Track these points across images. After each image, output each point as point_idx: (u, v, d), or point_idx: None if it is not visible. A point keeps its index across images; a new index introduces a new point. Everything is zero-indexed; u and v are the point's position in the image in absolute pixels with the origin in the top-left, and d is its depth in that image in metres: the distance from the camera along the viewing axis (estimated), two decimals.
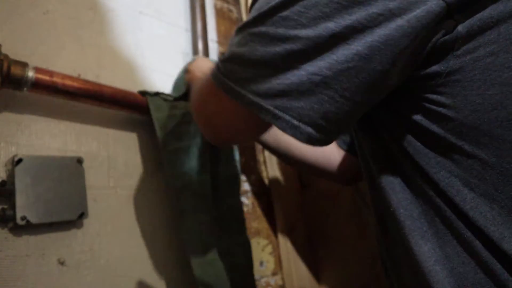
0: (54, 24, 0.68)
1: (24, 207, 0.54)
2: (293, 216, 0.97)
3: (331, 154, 0.72)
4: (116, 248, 0.66)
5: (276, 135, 0.74)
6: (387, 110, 0.41)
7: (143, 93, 0.73)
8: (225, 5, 1.09)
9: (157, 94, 0.74)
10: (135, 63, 0.80)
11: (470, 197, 0.35)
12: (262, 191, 0.96)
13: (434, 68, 0.36)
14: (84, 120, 0.68)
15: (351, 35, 0.34)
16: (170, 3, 0.92)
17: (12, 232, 0.55)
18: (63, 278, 0.59)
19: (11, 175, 0.56)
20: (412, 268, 0.40)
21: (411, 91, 0.38)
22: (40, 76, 0.58)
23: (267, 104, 0.37)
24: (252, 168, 0.96)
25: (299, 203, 0.98)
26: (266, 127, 0.46)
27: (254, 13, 0.39)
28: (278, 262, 0.92)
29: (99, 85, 0.66)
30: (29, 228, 0.56)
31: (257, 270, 0.88)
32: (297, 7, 0.36)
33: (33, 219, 0.55)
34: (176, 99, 0.76)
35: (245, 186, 0.93)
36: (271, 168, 0.98)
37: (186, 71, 0.76)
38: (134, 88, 0.73)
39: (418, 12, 0.33)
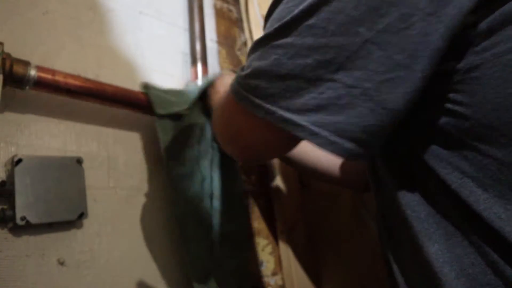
0: (54, 24, 0.68)
1: (24, 207, 0.54)
2: (293, 216, 0.96)
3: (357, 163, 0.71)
4: (116, 248, 0.66)
5: (301, 149, 0.71)
6: None
7: (145, 89, 0.71)
8: (225, 5, 1.09)
9: (162, 96, 0.73)
10: (135, 63, 0.80)
11: (483, 197, 0.34)
12: (262, 191, 0.96)
13: (452, 64, 0.34)
14: (84, 120, 0.68)
15: (386, 39, 0.32)
16: (170, 3, 0.92)
17: (12, 232, 0.55)
18: (63, 278, 0.58)
19: (11, 175, 0.56)
20: (420, 269, 0.39)
21: (426, 88, 0.36)
22: (42, 74, 0.58)
23: (302, 120, 0.35)
24: (252, 168, 0.96)
25: (299, 203, 0.98)
26: (296, 142, 0.44)
27: (274, 23, 0.37)
28: (278, 262, 0.92)
29: (101, 83, 0.66)
30: (29, 228, 0.56)
31: (257, 270, 0.88)
32: (323, 14, 0.33)
33: (33, 219, 0.55)
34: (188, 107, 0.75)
35: (245, 186, 0.93)
36: (271, 168, 0.98)
37: (210, 85, 0.74)
38: (134, 88, 0.73)
39: (450, 8, 0.31)
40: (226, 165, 0.77)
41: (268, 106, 0.37)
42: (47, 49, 0.66)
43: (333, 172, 0.74)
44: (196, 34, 0.89)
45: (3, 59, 0.54)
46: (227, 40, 1.05)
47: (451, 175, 0.36)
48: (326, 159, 0.73)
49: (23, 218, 0.54)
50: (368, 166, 0.49)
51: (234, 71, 0.78)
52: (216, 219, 0.74)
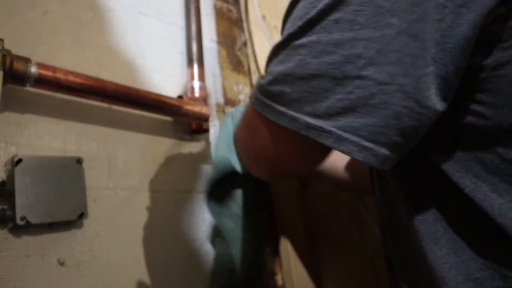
0: (54, 24, 0.68)
1: (24, 207, 0.54)
2: (293, 216, 0.96)
3: None
4: (116, 248, 0.66)
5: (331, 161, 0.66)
6: None
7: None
8: (225, 5, 1.09)
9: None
10: (135, 63, 0.80)
11: (498, 202, 0.32)
12: None
13: (479, 60, 0.31)
14: (84, 120, 0.68)
15: (421, 30, 0.29)
16: (170, 3, 0.92)
17: (12, 233, 0.55)
18: (63, 278, 0.58)
19: (10, 176, 0.55)
20: (425, 273, 0.38)
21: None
22: (43, 71, 0.58)
23: (328, 125, 0.32)
24: None
25: (299, 203, 0.98)
26: (326, 153, 0.40)
27: (297, 22, 0.34)
28: (278, 262, 0.92)
29: (102, 80, 0.66)
30: (29, 228, 0.56)
31: None
32: (351, 6, 0.30)
33: (33, 220, 0.55)
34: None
35: None
36: None
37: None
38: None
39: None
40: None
41: (291, 112, 0.34)
42: (47, 49, 0.66)
43: (347, 177, 0.70)
44: (193, 34, 0.89)
45: (3, 55, 0.53)
46: (227, 40, 1.06)
47: (465, 179, 0.34)
48: (341, 164, 0.69)
49: (23, 218, 0.54)
50: (371, 167, 0.49)
51: None
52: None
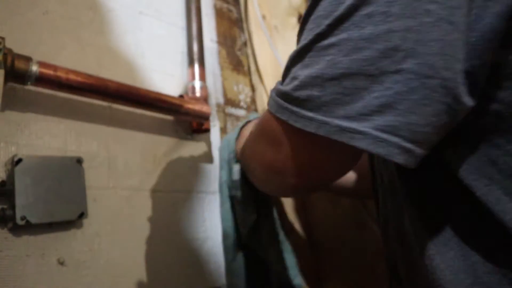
0: (54, 24, 0.68)
1: (24, 207, 0.54)
2: (293, 217, 0.96)
3: None
4: (116, 248, 0.66)
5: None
6: None
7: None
8: (225, 5, 1.09)
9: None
10: (135, 63, 0.80)
11: (510, 206, 0.31)
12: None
13: (503, 55, 0.29)
14: (84, 120, 0.68)
15: (460, 19, 0.27)
16: (170, 3, 0.92)
17: (12, 232, 0.55)
18: (63, 278, 0.58)
19: (11, 175, 0.55)
20: (431, 275, 0.38)
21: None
22: (44, 70, 0.58)
23: (363, 127, 0.29)
24: None
25: (299, 203, 0.98)
26: (358, 158, 0.38)
27: (322, 21, 0.32)
28: None
29: (103, 79, 0.66)
30: (29, 228, 0.56)
31: None
32: None
33: (33, 219, 0.55)
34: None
35: None
36: None
37: (238, 136, 0.69)
38: None
39: None
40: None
41: (321, 117, 0.31)
42: (47, 49, 0.66)
43: (349, 181, 0.68)
44: (194, 34, 0.89)
45: (5, 54, 0.53)
46: (227, 40, 1.06)
47: (477, 182, 0.32)
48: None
49: (23, 218, 0.54)
50: (373, 168, 0.48)
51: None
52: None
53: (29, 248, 0.56)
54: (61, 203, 0.59)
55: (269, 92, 1.02)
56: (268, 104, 0.38)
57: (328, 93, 0.31)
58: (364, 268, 0.84)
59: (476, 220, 0.35)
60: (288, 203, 0.96)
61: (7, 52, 0.54)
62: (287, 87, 0.35)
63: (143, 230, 0.71)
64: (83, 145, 0.67)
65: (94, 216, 0.64)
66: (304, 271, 0.92)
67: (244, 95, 1.04)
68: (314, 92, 0.32)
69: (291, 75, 0.35)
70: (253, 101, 1.06)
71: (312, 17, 0.34)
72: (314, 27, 0.33)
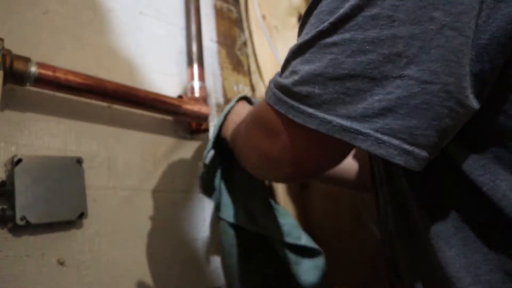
0: (54, 24, 0.68)
1: (24, 207, 0.54)
2: (293, 216, 0.96)
3: None
4: (116, 248, 0.66)
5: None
6: None
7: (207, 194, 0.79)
8: (225, 5, 1.09)
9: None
10: (135, 63, 0.80)
11: None
12: None
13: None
14: (84, 120, 0.68)
15: (466, 24, 0.27)
16: (170, 3, 0.92)
17: (12, 232, 0.55)
18: (63, 278, 0.58)
19: (10, 175, 0.55)
20: (433, 272, 0.38)
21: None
22: (43, 71, 0.58)
23: (365, 128, 0.30)
24: None
25: (299, 203, 0.98)
26: (351, 150, 0.39)
27: (325, 18, 0.32)
28: None
29: (102, 80, 0.66)
30: (28, 228, 0.56)
31: None
32: (389, 1, 0.29)
33: (33, 219, 0.55)
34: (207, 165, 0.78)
35: None
36: None
37: (223, 122, 0.69)
38: None
39: None
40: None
41: (322, 115, 0.32)
42: (47, 49, 0.66)
43: (349, 173, 0.69)
44: (193, 34, 0.89)
45: (4, 55, 0.54)
46: (227, 40, 1.05)
47: (483, 177, 0.33)
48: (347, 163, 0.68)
49: (23, 218, 0.54)
50: (374, 164, 0.48)
51: (247, 98, 0.74)
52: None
53: (29, 248, 0.56)
54: (61, 203, 0.59)
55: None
56: (266, 94, 0.38)
57: (330, 92, 0.31)
58: (365, 266, 0.84)
59: (480, 217, 0.35)
60: (288, 204, 0.96)
61: (6, 53, 0.54)
62: (286, 81, 0.35)
63: (143, 230, 0.71)
64: (83, 145, 0.67)
65: (94, 216, 0.64)
66: None
67: None
68: (315, 90, 0.32)
69: (290, 68, 0.35)
70: None
71: (315, 11, 0.34)
72: (316, 23, 0.33)
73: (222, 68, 1.01)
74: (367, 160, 0.56)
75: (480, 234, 0.34)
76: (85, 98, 0.65)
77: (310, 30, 0.34)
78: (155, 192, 0.75)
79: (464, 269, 0.35)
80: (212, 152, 0.77)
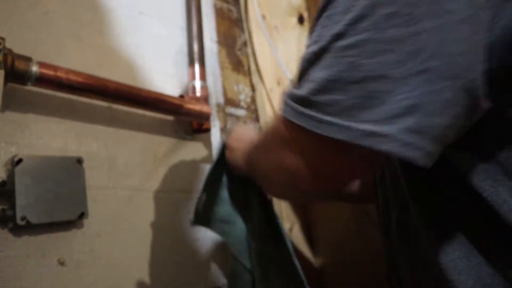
0: (54, 24, 0.68)
1: (24, 207, 0.54)
2: (293, 216, 0.96)
3: None
4: (116, 248, 0.66)
5: None
6: None
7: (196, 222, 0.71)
8: (225, 5, 1.09)
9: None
10: (135, 63, 0.80)
11: None
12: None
13: None
14: (84, 120, 0.68)
15: (483, 20, 0.27)
16: (170, 4, 0.92)
17: (12, 232, 0.55)
18: (63, 278, 0.58)
19: (11, 175, 0.55)
20: (434, 275, 0.38)
21: None
22: (44, 70, 0.58)
23: (388, 130, 0.28)
24: None
25: (299, 203, 0.98)
26: (377, 161, 0.37)
27: (338, 19, 0.31)
28: None
29: (103, 79, 0.66)
30: (29, 228, 0.56)
31: None
32: None
33: (33, 219, 0.55)
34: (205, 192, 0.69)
35: None
36: None
37: (224, 148, 0.66)
38: None
39: None
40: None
41: (343, 122, 0.30)
42: (47, 49, 0.66)
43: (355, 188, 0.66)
44: (194, 34, 0.89)
45: (5, 54, 0.53)
46: (227, 40, 1.06)
47: (484, 182, 0.32)
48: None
49: (23, 218, 0.54)
50: (377, 169, 0.48)
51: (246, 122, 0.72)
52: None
53: (29, 248, 0.56)
54: (61, 203, 0.59)
55: (268, 91, 1.03)
56: (282, 109, 0.36)
57: (350, 97, 0.30)
58: (365, 268, 0.84)
59: (481, 222, 0.34)
60: (288, 203, 0.96)
61: (7, 53, 0.54)
62: (303, 91, 0.33)
63: (143, 230, 0.71)
64: (83, 145, 0.67)
65: (94, 216, 0.64)
66: (305, 271, 0.93)
67: (244, 95, 1.04)
68: (335, 96, 0.31)
69: (306, 78, 0.34)
70: (253, 101, 1.06)
71: (326, 13, 0.32)
72: (329, 25, 0.32)
73: (222, 68, 1.01)
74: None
75: (481, 238, 0.34)
76: (86, 97, 0.65)
77: (323, 34, 0.32)
78: (156, 192, 0.75)
79: (465, 272, 0.35)
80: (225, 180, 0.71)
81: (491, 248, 0.34)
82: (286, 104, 0.36)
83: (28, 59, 0.56)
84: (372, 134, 0.29)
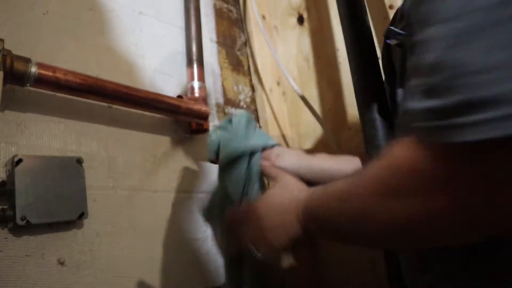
0: (54, 24, 0.68)
1: (24, 207, 0.54)
2: None
3: None
4: (116, 248, 0.66)
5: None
6: None
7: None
8: (225, 5, 1.10)
9: None
10: (134, 63, 0.80)
11: None
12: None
13: None
14: (84, 120, 0.68)
15: None
16: (169, 4, 0.92)
17: (12, 232, 0.55)
18: (63, 278, 0.59)
19: (11, 175, 0.56)
20: (435, 275, 0.38)
21: None
22: (43, 71, 0.58)
23: None
24: None
25: None
26: None
27: (459, 12, 0.26)
28: None
29: (102, 80, 0.66)
30: (29, 228, 0.56)
31: None
32: None
33: (33, 219, 0.55)
34: None
35: None
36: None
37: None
38: None
39: None
40: None
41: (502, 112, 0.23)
42: (47, 49, 0.66)
43: None
44: (192, 35, 0.89)
45: (4, 56, 0.54)
46: (226, 40, 1.06)
47: None
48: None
49: (23, 218, 0.54)
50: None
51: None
52: None
53: (29, 248, 0.56)
54: (61, 203, 0.59)
55: (269, 92, 1.03)
56: (401, 138, 0.29)
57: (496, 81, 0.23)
58: (365, 268, 0.84)
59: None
60: None
61: (6, 54, 0.54)
62: (435, 102, 0.26)
63: (143, 230, 0.71)
64: (83, 145, 0.67)
65: (94, 216, 0.64)
66: (305, 271, 0.93)
67: (244, 95, 1.04)
68: (482, 86, 0.24)
69: (432, 85, 0.27)
70: (253, 101, 1.06)
71: (439, 16, 0.27)
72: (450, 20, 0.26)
73: (221, 68, 1.01)
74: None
75: (481, 243, 0.33)
76: (85, 98, 0.65)
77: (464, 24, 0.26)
78: (155, 192, 0.75)
79: (461, 272, 0.35)
80: None
81: (488, 257, 0.34)
82: (410, 128, 0.28)
83: (27, 60, 0.57)
84: None
